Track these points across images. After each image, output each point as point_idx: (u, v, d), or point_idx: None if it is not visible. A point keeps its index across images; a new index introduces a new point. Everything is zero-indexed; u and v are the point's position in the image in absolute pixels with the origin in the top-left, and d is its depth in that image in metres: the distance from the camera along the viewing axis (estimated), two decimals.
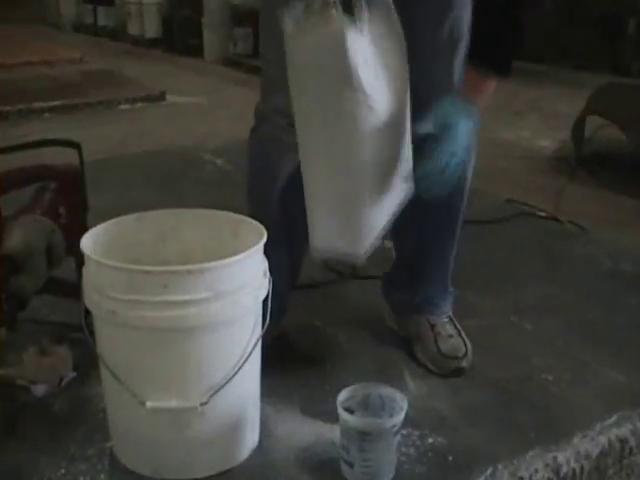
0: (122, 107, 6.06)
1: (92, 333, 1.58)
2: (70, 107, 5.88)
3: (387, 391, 1.66)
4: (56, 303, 2.18)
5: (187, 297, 1.46)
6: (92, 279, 1.53)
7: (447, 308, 2.11)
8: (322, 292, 2.46)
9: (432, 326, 2.05)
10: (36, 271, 1.94)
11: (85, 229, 2.06)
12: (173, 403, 1.53)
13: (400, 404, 1.61)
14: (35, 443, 1.74)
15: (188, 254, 1.65)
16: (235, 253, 1.52)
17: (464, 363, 1.99)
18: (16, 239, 1.91)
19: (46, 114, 5.73)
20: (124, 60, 8.47)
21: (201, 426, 1.57)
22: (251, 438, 1.70)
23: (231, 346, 1.56)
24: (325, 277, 2.54)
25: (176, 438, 1.58)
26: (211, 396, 1.53)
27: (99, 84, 6.59)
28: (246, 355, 1.57)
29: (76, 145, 1.98)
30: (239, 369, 1.56)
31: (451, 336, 2.04)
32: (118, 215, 1.73)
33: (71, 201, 2.06)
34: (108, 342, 1.57)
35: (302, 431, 1.78)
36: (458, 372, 1.99)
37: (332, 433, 1.71)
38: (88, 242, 1.57)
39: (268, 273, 1.61)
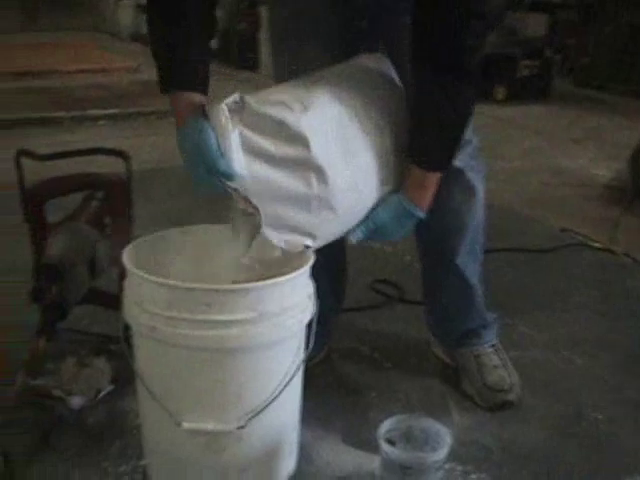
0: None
1: (131, 347, 1.55)
2: (124, 116, 5.90)
3: (431, 424, 1.60)
4: (97, 314, 2.16)
5: (230, 317, 1.42)
6: (132, 293, 1.49)
7: (490, 336, 2.03)
8: (369, 315, 2.40)
9: (476, 357, 1.98)
10: (78, 281, 1.91)
11: (129, 240, 2.04)
12: (210, 425, 1.48)
13: (444, 439, 1.55)
14: (68, 456, 1.72)
15: (233, 271, 1.61)
16: (281, 274, 1.47)
17: (511, 396, 1.92)
18: (59, 248, 1.89)
19: (100, 122, 5.75)
20: None
21: (238, 450, 1.52)
22: (289, 464, 1.65)
23: (272, 369, 1.51)
24: (372, 300, 2.49)
25: (212, 461, 1.53)
26: (249, 420, 1.48)
27: (153, 94, 6.59)
28: (287, 379, 1.52)
29: (124, 155, 1.95)
30: (279, 393, 1.50)
31: (496, 367, 1.96)
32: (163, 226, 1.70)
33: (117, 211, 2.04)
34: (146, 358, 1.53)
35: (341, 460, 1.73)
36: (505, 405, 1.91)
37: (372, 464, 1.66)
38: (130, 255, 1.53)
39: (314, 296, 1.56)
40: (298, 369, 1.55)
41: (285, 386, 1.51)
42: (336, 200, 1.50)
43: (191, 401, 1.50)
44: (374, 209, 1.62)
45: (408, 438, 1.60)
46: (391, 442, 1.56)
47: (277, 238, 1.47)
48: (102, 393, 1.89)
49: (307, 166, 1.46)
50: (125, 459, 1.70)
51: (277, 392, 1.50)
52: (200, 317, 1.41)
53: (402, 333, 2.30)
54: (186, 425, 1.48)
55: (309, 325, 1.55)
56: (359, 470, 1.69)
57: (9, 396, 1.75)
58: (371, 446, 1.65)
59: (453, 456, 1.64)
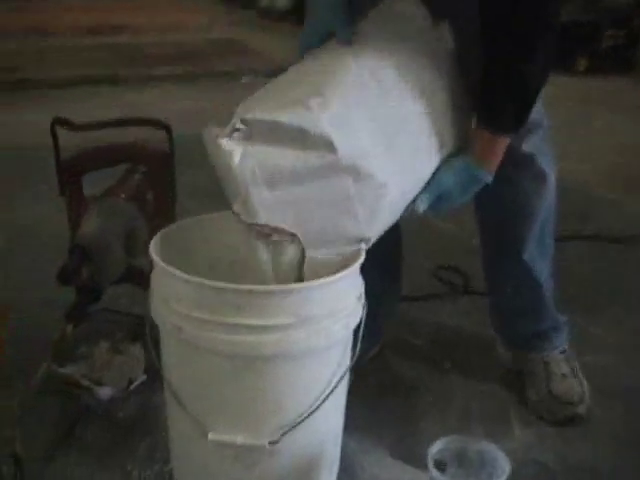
0: (244, 80, 5.90)
1: (157, 346, 1.40)
2: (191, 75, 5.75)
3: (489, 448, 1.42)
4: (137, 294, 2.01)
5: (265, 322, 1.25)
6: (159, 288, 1.34)
7: (561, 340, 1.84)
8: (429, 306, 2.23)
9: (545, 364, 1.79)
10: (112, 263, 1.79)
11: (172, 218, 1.90)
12: (239, 439, 1.33)
13: (503, 467, 1.37)
14: (92, 454, 1.60)
15: None
16: (328, 271, 1.30)
17: (580, 409, 1.73)
18: (93, 228, 1.76)
19: (168, 81, 5.61)
20: (251, 30, 8.33)
21: (271, 465, 1.37)
22: (329, 478, 1.50)
23: (313, 379, 1.35)
24: (433, 289, 2.31)
25: (241, 475, 1.39)
26: (284, 434, 1.32)
27: (223, 53, 6.43)
28: (329, 389, 1.35)
29: (167, 127, 1.80)
30: (319, 406, 1.34)
31: (565, 376, 1.78)
32: (210, 196, 1.53)
33: (160, 187, 1.89)
34: (173, 359, 1.38)
35: (388, 476, 1.57)
36: (573, 420, 1.73)
37: None
38: (158, 243, 1.37)
39: (363, 297, 1.39)
40: (342, 378, 1.38)
41: (326, 398, 1.35)
42: (382, 192, 1.32)
43: (219, 410, 1.35)
44: (436, 174, 1.45)
45: (461, 460, 1.43)
46: (442, 463, 1.40)
47: (325, 256, 1.31)
48: (135, 384, 1.76)
49: (337, 170, 1.27)
50: (151, 462, 1.57)
51: (316, 405, 1.34)
52: (230, 320, 1.25)
53: (465, 328, 2.12)
54: (212, 437, 1.33)
55: (357, 328, 1.39)
56: None
57: (32, 383, 1.64)
58: (421, 463, 1.47)
59: (511, 477, 1.47)
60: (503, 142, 1.45)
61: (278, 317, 1.26)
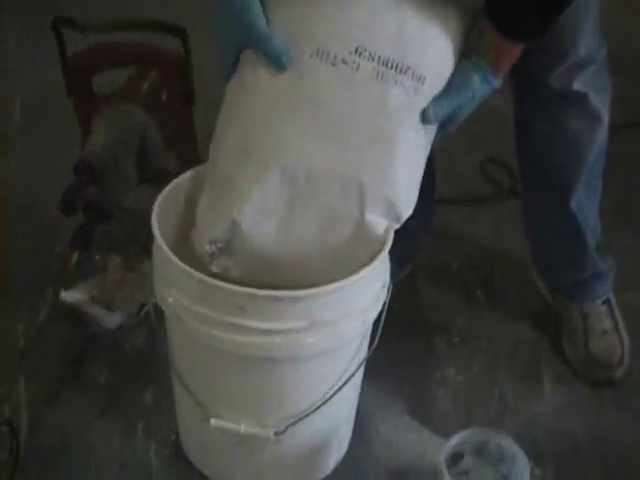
0: None
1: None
2: None
3: (510, 444, 1.31)
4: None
5: (271, 325, 1.12)
6: (159, 268, 1.21)
7: (604, 289, 1.68)
8: (470, 211, 2.05)
9: (584, 317, 1.65)
10: (122, 180, 1.64)
11: (190, 124, 1.74)
12: (242, 427, 1.23)
13: (521, 468, 1.28)
14: (95, 399, 1.52)
15: None
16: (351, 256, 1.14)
17: (618, 373, 1.60)
18: (100, 144, 1.60)
19: None
20: None
21: (276, 452, 1.29)
22: (338, 453, 1.42)
23: (324, 374, 1.23)
24: (476, 189, 2.12)
25: (246, 459, 1.32)
26: (290, 425, 1.23)
27: None
28: (342, 382, 1.24)
29: (181, 32, 1.59)
30: (330, 398, 1.24)
31: (606, 332, 1.64)
32: None
33: (175, 90, 1.71)
34: (174, 341, 1.27)
35: (402, 443, 1.48)
36: (610, 383, 1.60)
37: (438, 455, 1.34)
38: (158, 210, 1.21)
39: (389, 281, 1.24)
40: (358, 368, 1.27)
41: (338, 390, 1.24)
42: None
43: (222, 397, 1.25)
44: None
45: (480, 452, 1.34)
46: (459, 455, 1.31)
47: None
48: (145, 308, 1.65)
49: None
50: (157, 416, 1.49)
51: (327, 397, 1.24)
52: (232, 320, 1.12)
53: (506, 244, 1.94)
54: (214, 422, 1.23)
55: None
56: (421, 462, 1.44)
57: (37, 323, 1.55)
58: (439, 426, 1.44)
59: (533, 451, 1.36)
60: (517, 46, 1.15)
61: (286, 321, 1.12)
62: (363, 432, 1.47)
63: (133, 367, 1.58)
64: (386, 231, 1.15)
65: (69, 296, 1.62)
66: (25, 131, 2.31)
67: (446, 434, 1.34)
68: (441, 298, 1.80)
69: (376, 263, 1.15)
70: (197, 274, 1.11)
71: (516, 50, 1.15)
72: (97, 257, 1.75)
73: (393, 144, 1.10)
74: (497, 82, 1.16)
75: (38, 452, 1.40)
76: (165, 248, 1.15)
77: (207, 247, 1.14)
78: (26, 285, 1.72)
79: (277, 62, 1.07)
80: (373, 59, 1.08)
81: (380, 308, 1.23)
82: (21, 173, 2.12)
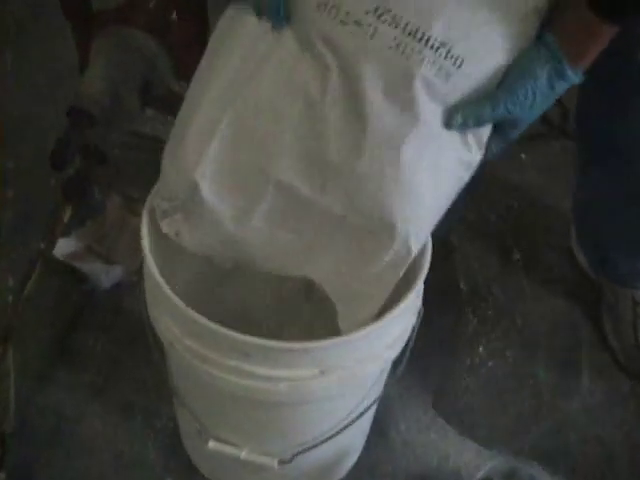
0: None
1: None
2: None
3: (541, 475, 1.19)
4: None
5: (279, 373, 0.97)
6: (150, 288, 1.04)
7: None
8: (514, 152, 1.82)
9: (635, 304, 1.47)
10: (122, 119, 1.43)
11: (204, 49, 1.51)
12: (243, 454, 1.10)
13: None
14: (89, 374, 1.39)
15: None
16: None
17: None
18: (97, 83, 1.38)
19: None
20: None
21: (282, 474, 1.17)
22: (352, 460, 1.30)
23: (336, 411, 1.09)
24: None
25: (250, 476, 1.21)
26: (296, 455, 1.10)
27: None
28: (358, 413, 1.10)
29: None
30: (345, 427, 1.10)
31: None
32: None
33: (185, 8, 1.47)
34: (171, 362, 1.12)
35: (423, 442, 1.35)
36: None
37: (461, 456, 1.30)
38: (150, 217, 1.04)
39: (421, 305, 1.07)
40: (376, 400, 1.13)
41: (350, 423, 1.10)
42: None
43: (221, 422, 1.12)
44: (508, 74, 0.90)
45: (510, 477, 1.21)
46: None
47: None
48: None
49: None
50: (158, 397, 1.35)
51: (340, 428, 1.10)
52: (235, 364, 0.97)
53: (550, 196, 1.73)
54: (212, 445, 1.10)
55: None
56: (441, 465, 1.32)
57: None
58: (467, 422, 1.31)
59: (563, 459, 1.27)
60: (610, 29, 0.88)
61: (296, 369, 0.97)
62: (382, 429, 1.34)
63: (132, 334, 1.43)
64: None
65: (62, 249, 1.45)
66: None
67: (472, 435, 1.24)
68: (476, 260, 1.62)
69: (411, 296, 0.99)
70: (194, 315, 0.95)
71: (609, 33, 0.88)
72: (96, 196, 1.57)
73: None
74: (577, 77, 0.90)
75: (27, 444, 1.30)
76: (157, 275, 0.98)
77: (160, 202, 0.98)
78: (18, 228, 1.57)
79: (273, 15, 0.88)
80: (397, 25, 0.85)
81: (407, 340, 1.07)
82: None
